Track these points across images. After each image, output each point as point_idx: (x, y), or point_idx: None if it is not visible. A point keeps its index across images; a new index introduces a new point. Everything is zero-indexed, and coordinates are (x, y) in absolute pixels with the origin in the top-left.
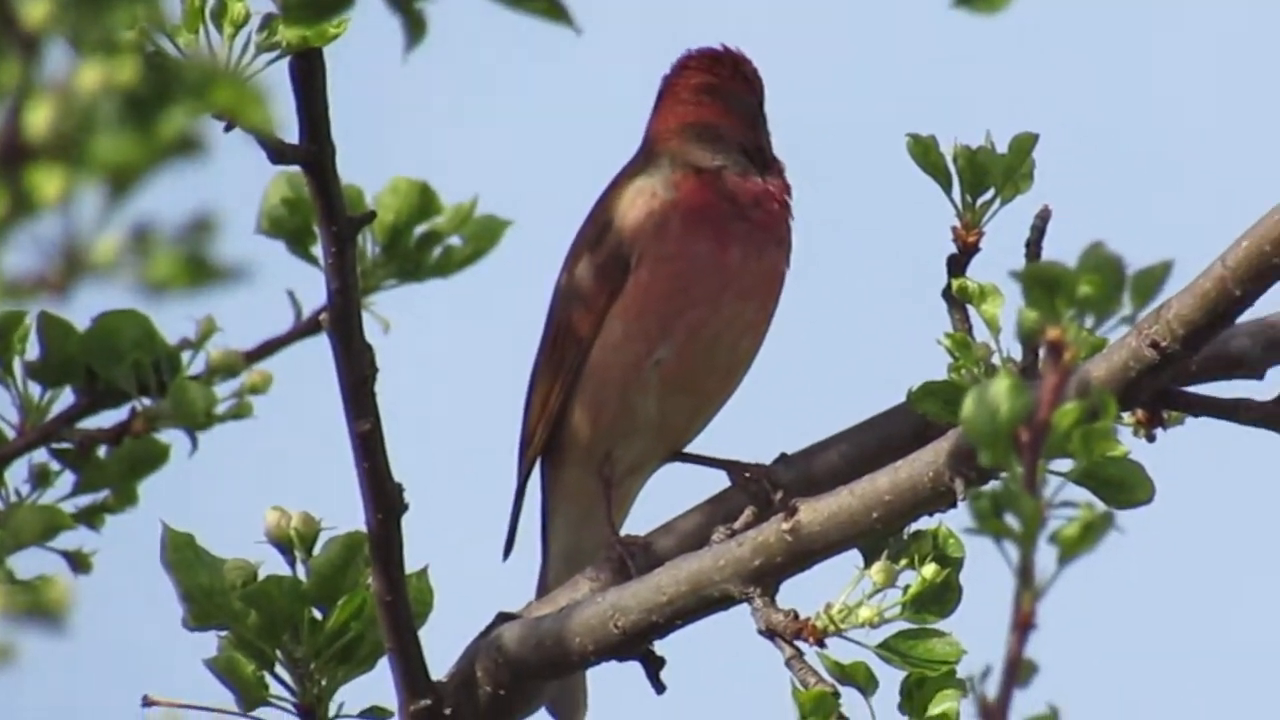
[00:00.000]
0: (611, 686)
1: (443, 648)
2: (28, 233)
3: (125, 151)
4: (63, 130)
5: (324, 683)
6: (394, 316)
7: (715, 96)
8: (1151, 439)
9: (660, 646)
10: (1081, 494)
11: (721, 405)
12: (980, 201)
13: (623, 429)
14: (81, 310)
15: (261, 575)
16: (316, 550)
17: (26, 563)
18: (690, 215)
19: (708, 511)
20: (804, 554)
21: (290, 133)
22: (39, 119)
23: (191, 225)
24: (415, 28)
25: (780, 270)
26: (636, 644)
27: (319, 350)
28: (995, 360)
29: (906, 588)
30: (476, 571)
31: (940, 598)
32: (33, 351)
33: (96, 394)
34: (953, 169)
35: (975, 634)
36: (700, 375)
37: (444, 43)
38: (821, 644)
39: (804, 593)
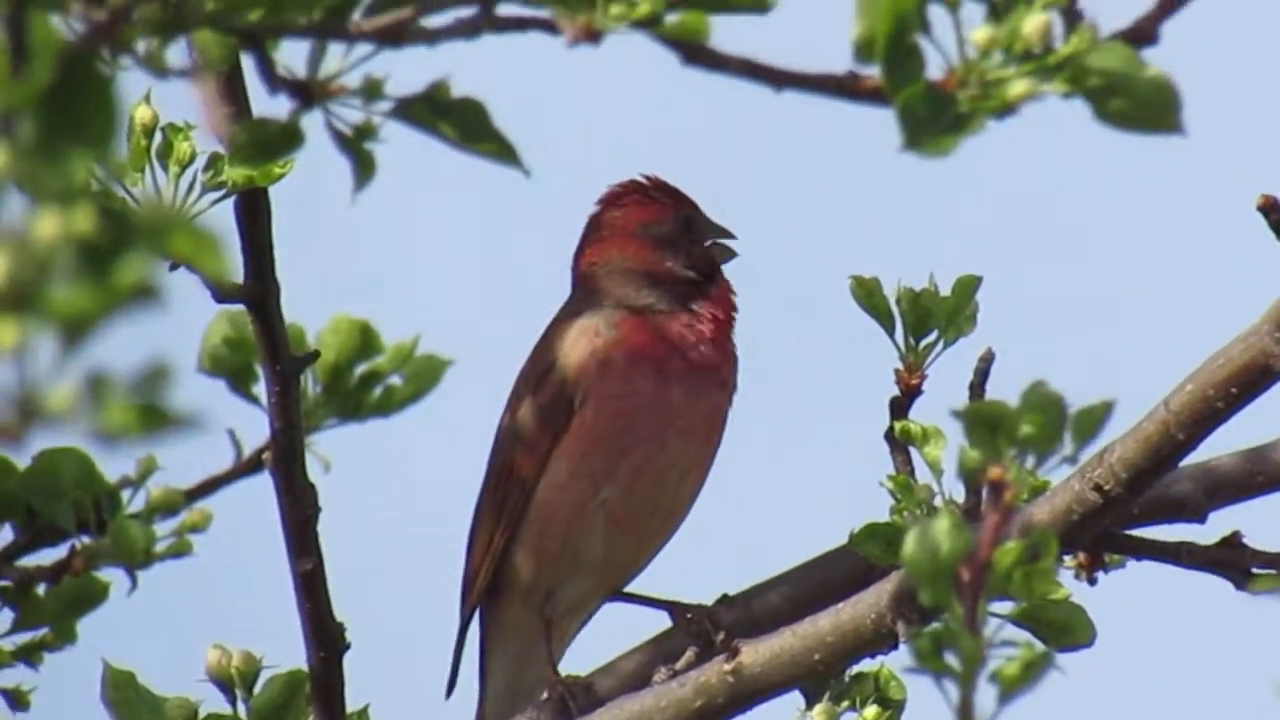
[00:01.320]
0: None
1: None
2: None
3: (82, 301)
4: (19, 280)
5: None
6: (335, 455)
7: (629, 232)
8: (1093, 581)
9: None
10: (1022, 634)
11: (665, 543)
12: (923, 344)
13: (566, 569)
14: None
15: (202, 714)
16: (257, 689)
17: None
18: (632, 354)
19: (649, 652)
20: (746, 695)
21: (234, 271)
22: None
23: (145, 373)
24: (364, 167)
25: (722, 409)
26: None
27: (261, 488)
28: (937, 502)
29: None
30: (417, 711)
31: None
32: None
33: (36, 531)
34: (896, 311)
35: None
36: (645, 514)
37: (389, 181)
38: None
39: None
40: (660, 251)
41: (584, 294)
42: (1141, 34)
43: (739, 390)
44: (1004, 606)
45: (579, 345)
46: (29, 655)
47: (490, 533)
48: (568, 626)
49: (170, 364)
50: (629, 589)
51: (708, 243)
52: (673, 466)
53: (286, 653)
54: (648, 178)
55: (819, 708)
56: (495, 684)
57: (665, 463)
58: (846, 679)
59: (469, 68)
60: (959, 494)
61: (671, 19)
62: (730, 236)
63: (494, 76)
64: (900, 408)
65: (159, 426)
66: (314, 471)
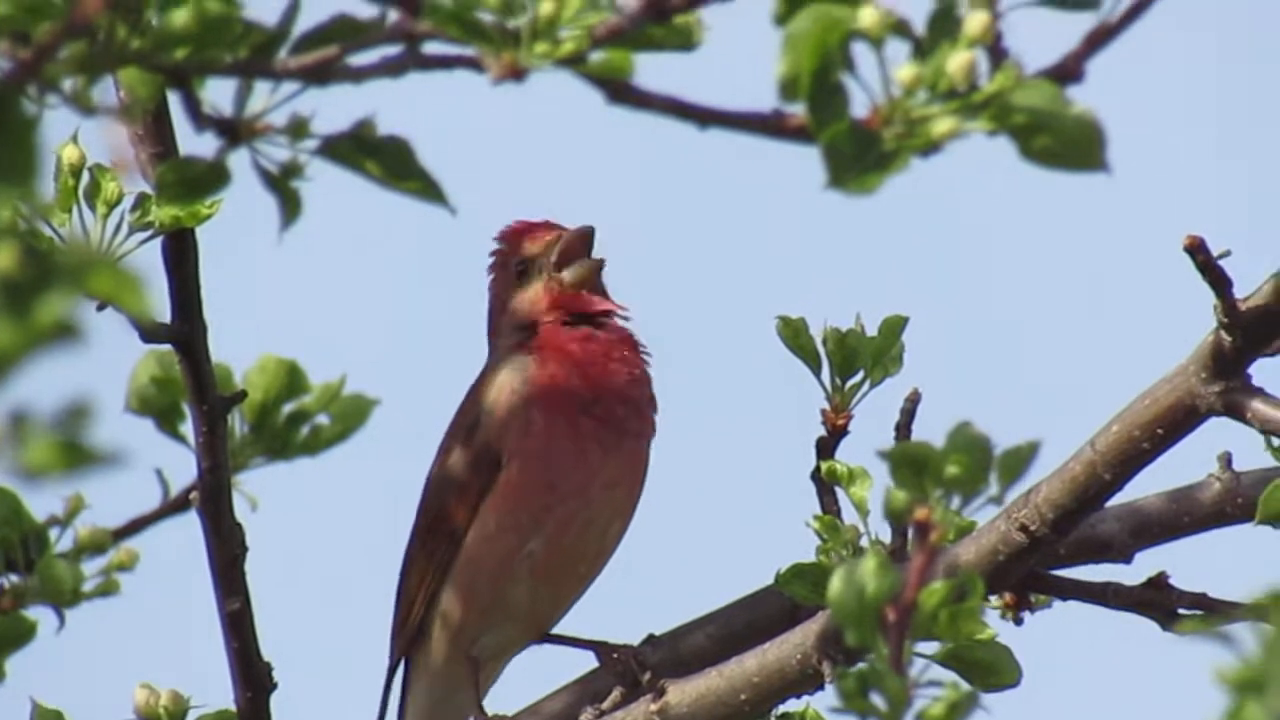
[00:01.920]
0: None
1: None
2: None
3: (3, 339)
4: None
5: None
6: (262, 494)
7: (495, 295)
8: (1019, 622)
9: None
10: (948, 675)
11: (589, 586)
12: (850, 384)
13: (493, 618)
14: None
15: None
16: None
17: None
18: (549, 410)
19: (575, 692)
20: None
21: (161, 311)
22: None
23: (67, 411)
24: (290, 206)
25: (641, 457)
26: None
27: (189, 528)
28: (864, 542)
29: None
30: None
31: None
32: None
33: None
34: (822, 351)
35: None
36: (571, 563)
37: (315, 218)
38: None
39: None
40: (509, 317)
41: (494, 353)
42: (1066, 71)
43: (657, 434)
44: (930, 647)
45: (499, 402)
46: None
47: (420, 579)
48: (491, 669)
49: (91, 402)
50: (555, 630)
51: (563, 275)
52: (598, 516)
53: (214, 692)
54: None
55: None
56: None
57: (590, 515)
58: (773, 719)
59: (395, 106)
60: (885, 534)
61: (596, 57)
62: (582, 265)
63: (420, 115)
64: (827, 448)
65: (81, 464)
66: (241, 511)
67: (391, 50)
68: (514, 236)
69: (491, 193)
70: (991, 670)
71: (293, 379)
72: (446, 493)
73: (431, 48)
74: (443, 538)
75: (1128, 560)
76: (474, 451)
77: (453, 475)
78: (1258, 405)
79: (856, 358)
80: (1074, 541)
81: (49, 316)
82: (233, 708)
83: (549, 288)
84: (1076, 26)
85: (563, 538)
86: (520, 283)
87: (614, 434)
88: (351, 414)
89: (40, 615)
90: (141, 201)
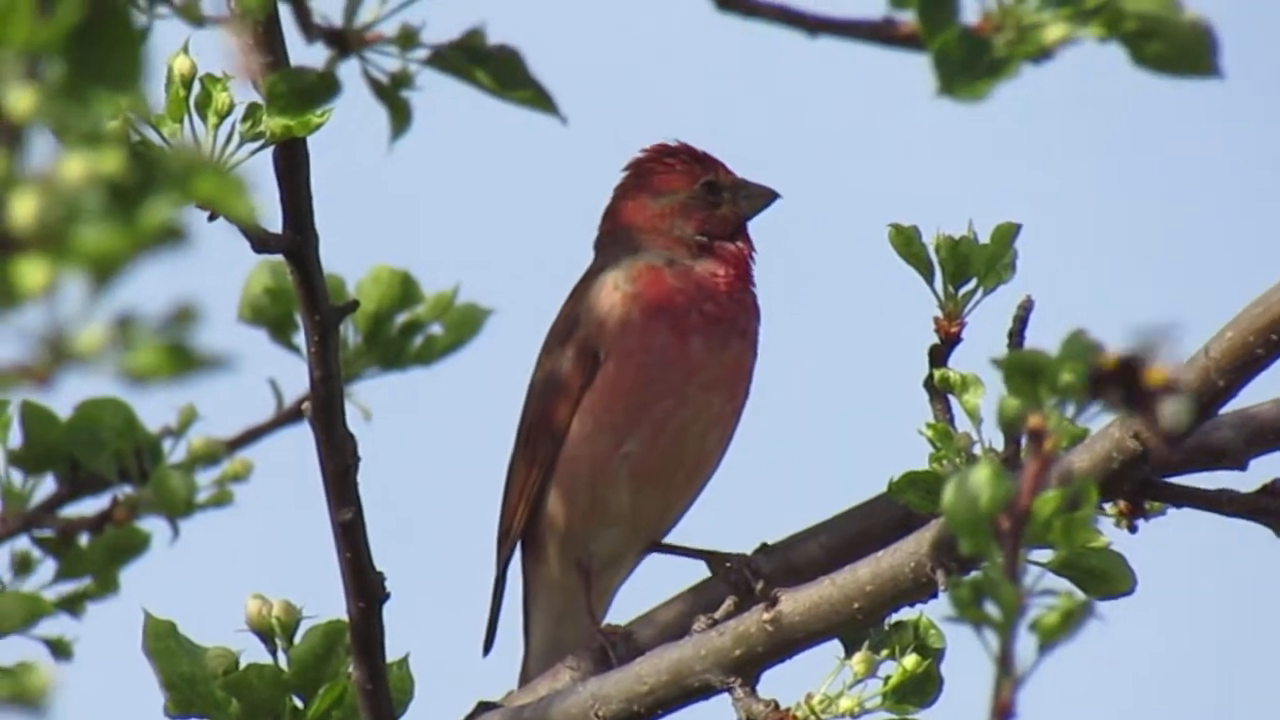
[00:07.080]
0: None
1: None
2: (12, 322)
3: (109, 242)
4: (47, 221)
5: None
6: (376, 404)
7: (646, 200)
8: (1133, 529)
9: None
10: (1062, 583)
11: (694, 497)
12: (962, 291)
13: (597, 522)
14: (64, 396)
15: (242, 664)
16: (297, 639)
17: (7, 650)
18: (649, 309)
19: (689, 601)
20: (785, 644)
21: (273, 221)
22: (24, 209)
23: (173, 315)
24: (400, 117)
25: (745, 362)
26: None
27: (301, 438)
28: (976, 450)
29: (887, 678)
30: (457, 661)
31: (921, 688)
32: (15, 439)
33: (78, 482)
34: (934, 259)
35: None
36: (669, 468)
37: (428, 130)
38: None
39: (785, 683)
40: (672, 219)
41: (605, 254)
42: None
43: (762, 343)
44: (1044, 555)
45: (600, 302)
46: (71, 605)
47: (522, 485)
48: (607, 580)
49: (198, 306)
50: (667, 540)
51: (731, 200)
52: (695, 420)
53: (327, 603)
54: (672, 144)
55: (858, 656)
56: (538, 638)
57: (687, 417)
58: (885, 628)
59: (503, 16)
60: (998, 442)
61: None
62: (760, 192)
63: (528, 25)
64: (939, 356)
65: (187, 367)
66: (354, 421)
67: None
68: (707, 159)
69: (599, 101)
70: (1105, 578)
71: (406, 289)
72: (548, 392)
73: None
74: (545, 439)
75: (1242, 467)
76: (574, 349)
77: (553, 374)
78: None
79: (969, 265)
80: (1188, 448)
81: (154, 220)
82: (345, 618)
83: (732, 212)
84: None
85: (659, 439)
86: (710, 202)
87: (719, 335)
88: (464, 324)
89: (154, 526)
90: (252, 111)
